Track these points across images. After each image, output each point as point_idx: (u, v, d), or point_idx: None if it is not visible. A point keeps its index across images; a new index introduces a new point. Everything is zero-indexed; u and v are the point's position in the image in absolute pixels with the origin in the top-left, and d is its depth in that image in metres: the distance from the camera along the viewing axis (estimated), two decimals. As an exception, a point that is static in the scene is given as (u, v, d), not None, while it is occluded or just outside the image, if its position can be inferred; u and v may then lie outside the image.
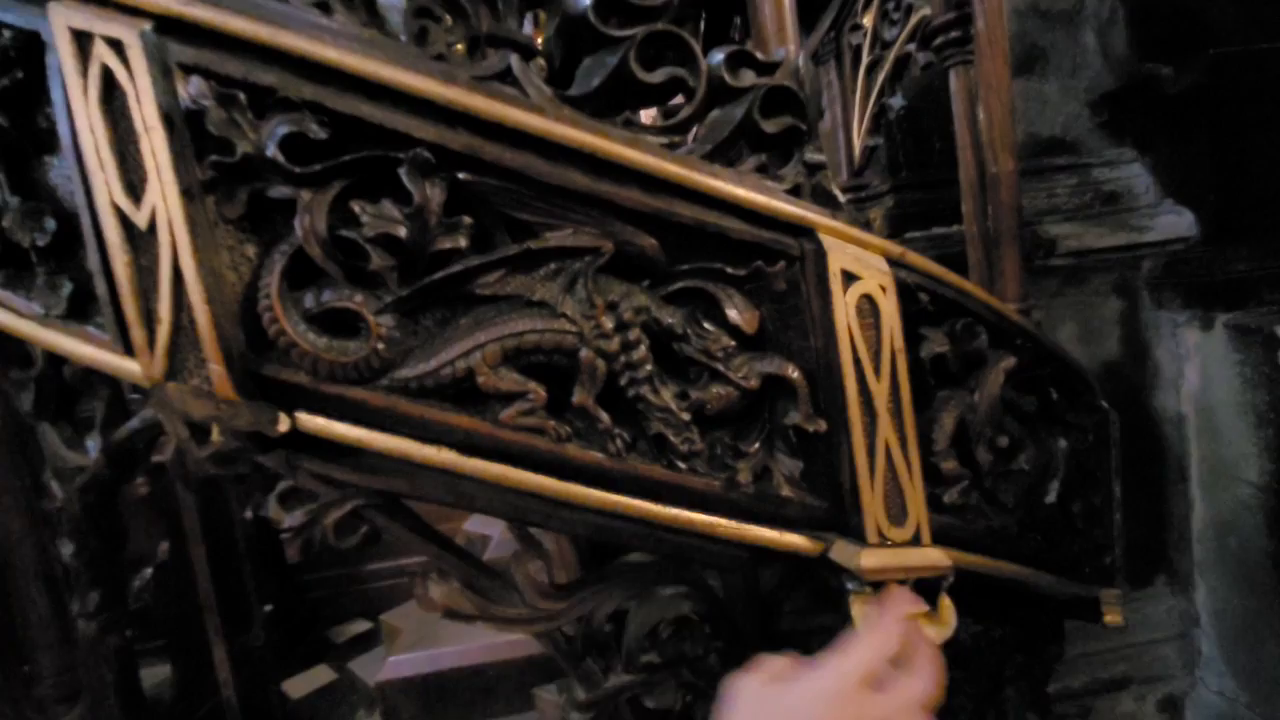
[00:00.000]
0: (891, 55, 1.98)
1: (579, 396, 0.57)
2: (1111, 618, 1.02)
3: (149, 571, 1.08)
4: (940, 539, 0.70)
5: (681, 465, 0.60)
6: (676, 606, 0.71)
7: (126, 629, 0.78)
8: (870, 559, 0.63)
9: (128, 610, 0.78)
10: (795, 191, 0.63)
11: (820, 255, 0.60)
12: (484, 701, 1.76)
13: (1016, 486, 0.78)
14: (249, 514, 1.72)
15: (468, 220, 0.54)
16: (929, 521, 0.66)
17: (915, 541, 0.66)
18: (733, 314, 0.58)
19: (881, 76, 1.99)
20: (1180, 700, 2.14)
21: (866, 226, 0.67)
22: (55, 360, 0.70)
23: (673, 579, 0.73)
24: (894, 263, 0.64)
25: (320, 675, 2.63)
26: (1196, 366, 1.97)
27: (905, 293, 0.65)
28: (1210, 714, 2.06)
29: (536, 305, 0.56)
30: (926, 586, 0.67)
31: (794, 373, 0.60)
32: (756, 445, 0.62)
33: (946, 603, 0.68)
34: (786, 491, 0.62)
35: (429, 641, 1.88)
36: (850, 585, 0.64)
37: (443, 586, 0.65)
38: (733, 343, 0.59)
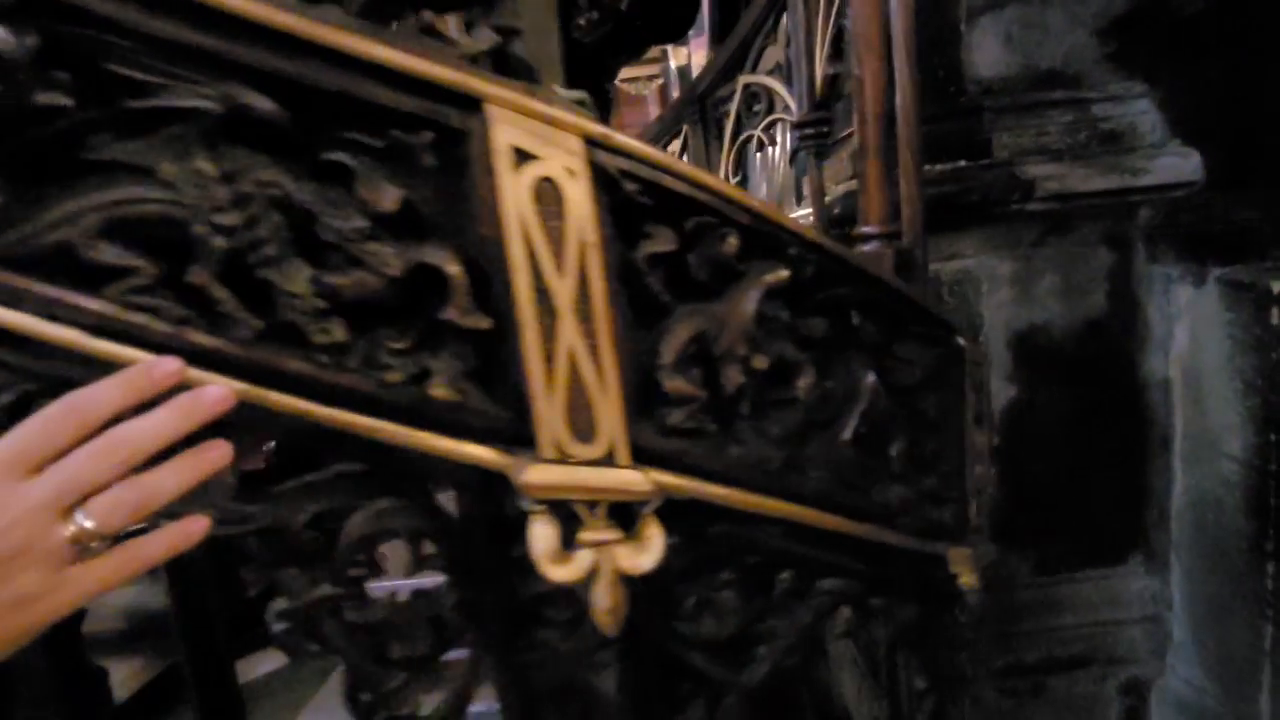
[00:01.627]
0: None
1: (195, 275, 0.52)
2: (966, 580, 0.94)
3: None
4: (666, 463, 0.63)
5: (324, 359, 0.55)
6: (387, 521, 0.67)
7: None
8: (538, 475, 0.58)
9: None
10: (477, 60, 0.55)
11: (486, 130, 0.53)
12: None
13: (790, 417, 0.70)
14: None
15: (65, 75, 0.49)
16: (628, 441, 0.59)
17: (608, 461, 0.59)
18: (367, 192, 0.52)
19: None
20: (1145, 686, 2.00)
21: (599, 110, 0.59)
22: None
23: (390, 491, 0.69)
24: (595, 144, 0.56)
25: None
26: (1186, 326, 1.78)
27: (608, 181, 0.57)
28: (1176, 703, 1.93)
29: (142, 172, 0.51)
30: (627, 511, 0.61)
31: (449, 263, 0.54)
32: (412, 343, 0.56)
33: (650, 530, 0.62)
34: (448, 394, 0.56)
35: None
36: (524, 504, 0.59)
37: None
38: (366, 223, 0.53)
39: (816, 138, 1.72)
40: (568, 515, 0.60)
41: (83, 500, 0.41)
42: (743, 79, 2.09)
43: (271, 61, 0.51)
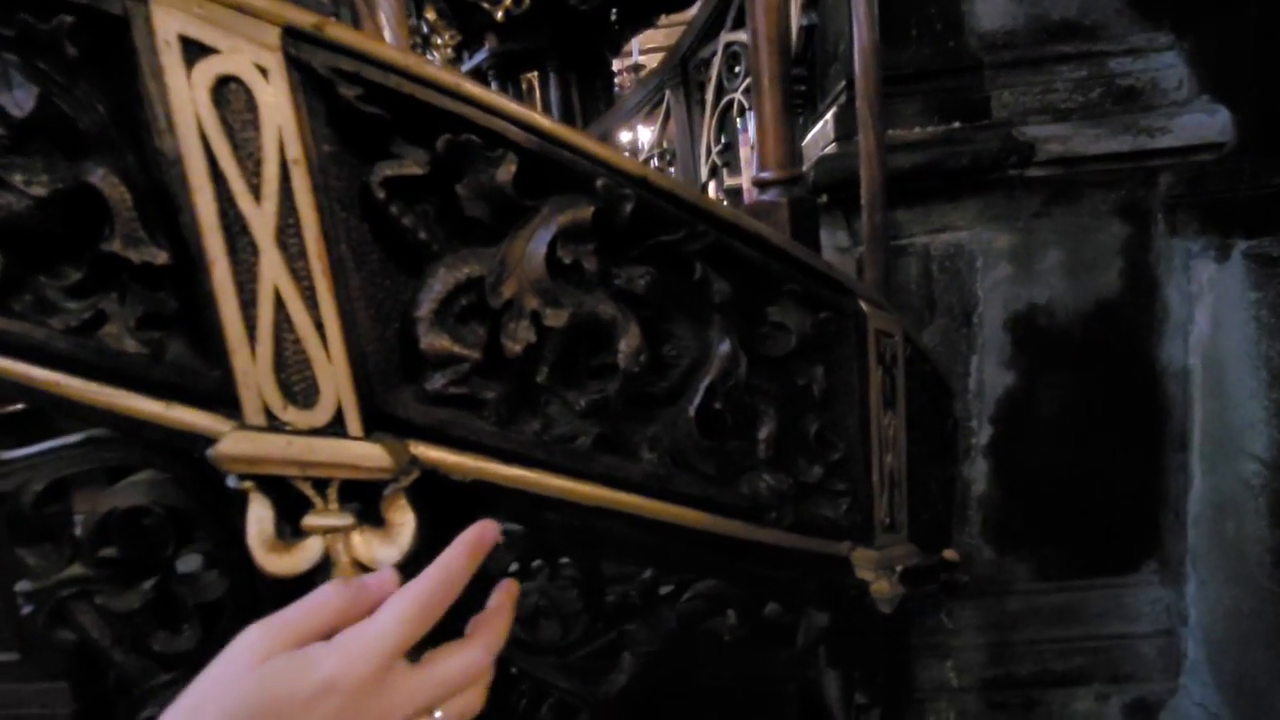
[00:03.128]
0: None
1: None
2: (879, 587, 0.81)
3: None
4: (432, 436, 0.52)
5: (-26, 297, 0.46)
6: (133, 495, 0.59)
7: None
8: (233, 444, 0.47)
9: None
10: (159, -67, 0.45)
11: (149, 15, 0.43)
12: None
13: (605, 387, 0.58)
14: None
15: None
16: (359, 405, 0.49)
17: (334, 430, 0.49)
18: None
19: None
20: (1155, 706, 1.81)
21: None
22: None
23: (141, 461, 0.60)
24: (300, 36, 0.45)
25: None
26: (1208, 308, 1.57)
27: (319, 83, 0.46)
28: (1189, 727, 1.73)
29: None
30: (369, 491, 0.50)
31: (108, 183, 0.44)
32: (80, 281, 0.46)
33: (397, 516, 0.51)
34: (127, 343, 0.47)
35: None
36: (230, 481, 0.49)
37: None
38: (3, 131, 0.43)
39: (802, 99, 1.57)
40: (296, 495, 0.50)
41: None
42: (724, 36, 1.94)
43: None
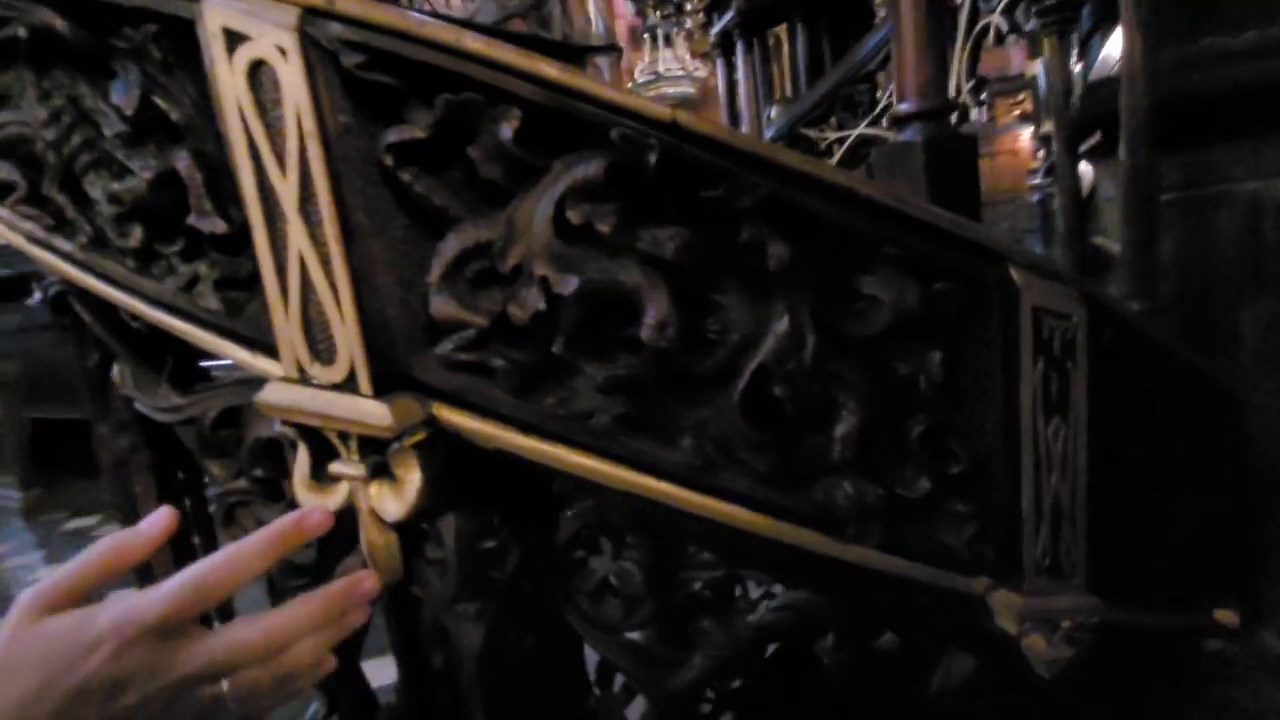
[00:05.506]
0: None
1: (44, 187, 0.59)
2: (1031, 644, 0.65)
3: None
4: (450, 400, 0.53)
5: (130, 263, 0.58)
6: (267, 425, 0.70)
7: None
8: (271, 393, 0.53)
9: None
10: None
11: (202, 13, 0.49)
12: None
13: (628, 361, 0.53)
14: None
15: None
16: (370, 366, 0.51)
17: (349, 387, 0.52)
18: (116, 96, 0.52)
19: None
20: None
21: None
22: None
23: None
24: (315, 12, 0.48)
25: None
26: None
27: (328, 57, 0.48)
28: None
29: (4, 99, 0.59)
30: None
31: (182, 163, 0.52)
32: (182, 247, 0.56)
33: (406, 473, 0.53)
34: (210, 302, 0.55)
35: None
36: (275, 425, 0.55)
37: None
38: (123, 128, 0.53)
39: (1057, 12, 1.24)
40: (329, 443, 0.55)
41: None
42: (982, -49, 1.60)
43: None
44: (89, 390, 1.27)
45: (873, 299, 0.54)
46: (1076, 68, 1.36)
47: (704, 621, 0.69)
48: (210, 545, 1.42)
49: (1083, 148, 1.26)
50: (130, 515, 1.46)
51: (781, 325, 0.53)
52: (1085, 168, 1.38)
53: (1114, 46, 1.23)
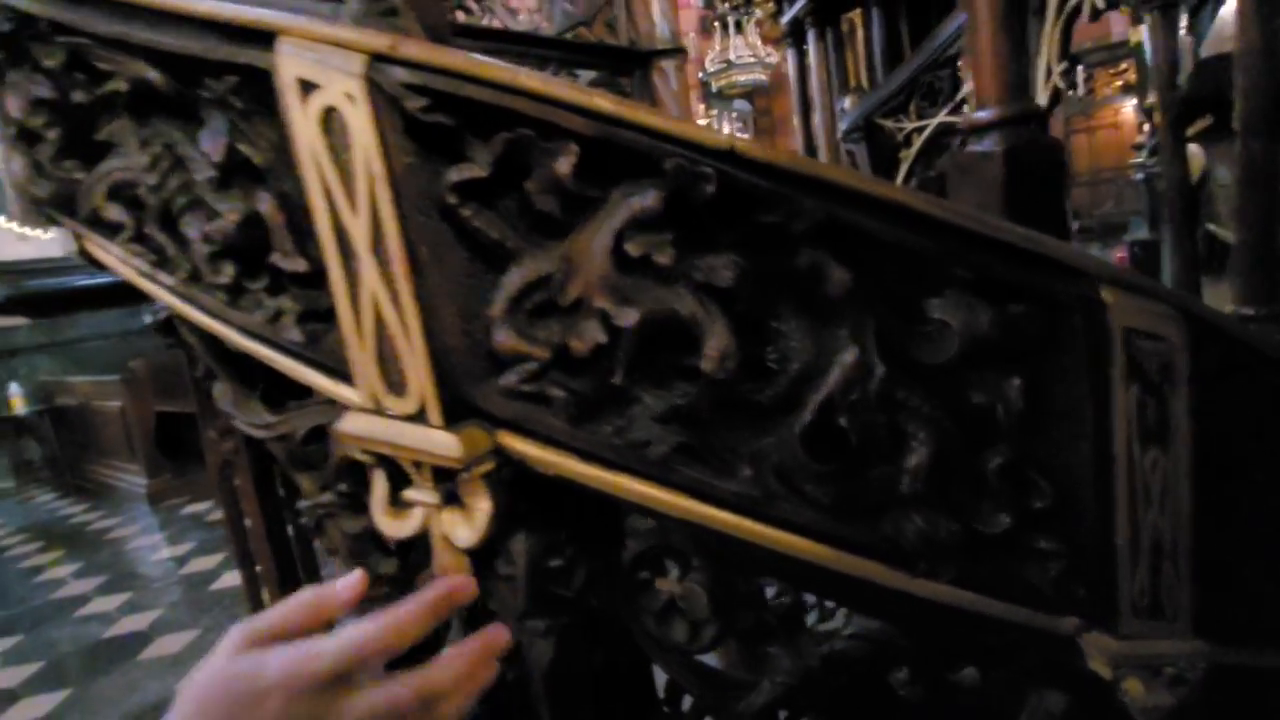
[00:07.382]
0: None
1: (147, 227, 0.64)
2: (1130, 688, 0.62)
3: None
4: (514, 429, 0.55)
5: (222, 296, 0.62)
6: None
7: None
8: (348, 423, 0.56)
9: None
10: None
11: (277, 65, 0.52)
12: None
13: (687, 392, 0.52)
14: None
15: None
16: (439, 397, 0.52)
17: (420, 419, 0.54)
18: (204, 142, 0.56)
19: None
20: None
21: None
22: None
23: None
24: (381, 59, 0.49)
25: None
26: None
27: (390, 101, 0.49)
28: None
29: (114, 146, 0.64)
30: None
31: (264, 204, 0.55)
32: (267, 283, 0.59)
33: (475, 501, 0.54)
34: (297, 334, 0.58)
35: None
36: (354, 452, 0.58)
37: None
38: (214, 173, 0.57)
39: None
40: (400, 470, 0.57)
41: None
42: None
43: (144, 36, 0.58)
44: (197, 398, 1.38)
45: (942, 324, 0.51)
46: (1186, 40, 1.24)
47: (771, 647, 0.68)
48: (302, 539, 1.51)
49: (1191, 130, 1.15)
50: (232, 508, 1.58)
51: (848, 355, 0.51)
52: (1195, 149, 1.26)
53: (1228, 17, 1.12)
